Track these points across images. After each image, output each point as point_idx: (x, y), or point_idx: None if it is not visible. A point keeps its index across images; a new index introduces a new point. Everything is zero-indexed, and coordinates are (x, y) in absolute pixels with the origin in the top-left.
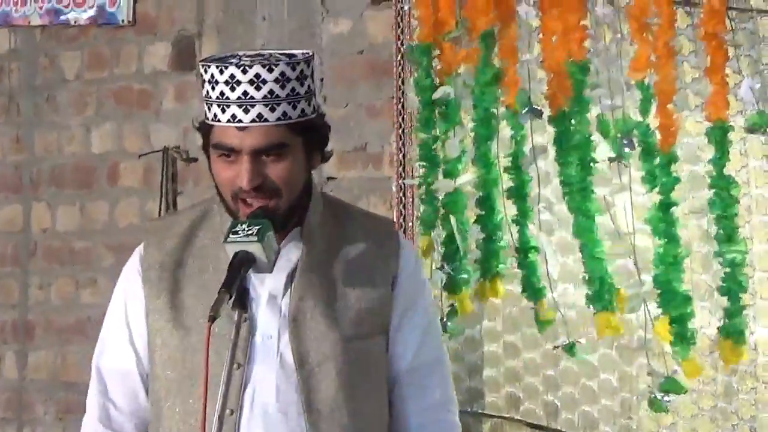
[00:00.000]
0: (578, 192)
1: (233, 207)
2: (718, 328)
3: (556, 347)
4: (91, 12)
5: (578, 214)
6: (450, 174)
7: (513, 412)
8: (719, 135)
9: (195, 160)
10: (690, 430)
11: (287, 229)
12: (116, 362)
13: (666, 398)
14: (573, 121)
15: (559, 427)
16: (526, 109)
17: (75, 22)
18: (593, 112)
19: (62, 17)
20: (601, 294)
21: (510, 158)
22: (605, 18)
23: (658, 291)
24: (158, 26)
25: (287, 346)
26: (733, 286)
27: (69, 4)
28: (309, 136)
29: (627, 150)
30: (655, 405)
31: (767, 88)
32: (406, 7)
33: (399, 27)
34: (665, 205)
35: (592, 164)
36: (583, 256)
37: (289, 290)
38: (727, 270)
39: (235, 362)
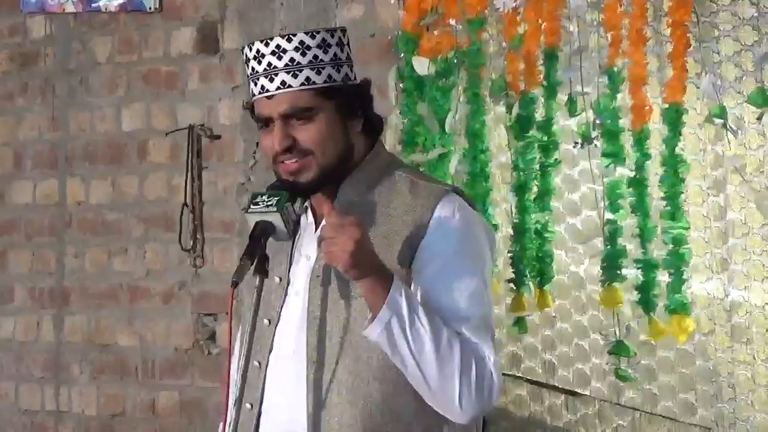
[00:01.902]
0: (541, 173)
1: (278, 174)
2: (664, 306)
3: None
4: None
5: (540, 194)
6: (426, 150)
7: (515, 370)
8: (674, 116)
9: (218, 137)
10: (672, 386)
11: (329, 193)
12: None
13: (625, 366)
14: (535, 105)
15: (556, 383)
16: (503, 93)
17: (106, 9)
18: (562, 96)
19: (94, 4)
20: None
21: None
22: (579, 9)
23: (622, 260)
24: (183, 12)
25: (307, 301)
26: (676, 262)
27: None
28: (340, 100)
29: (595, 132)
30: (619, 374)
31: (725, 82)
32: None
33: (401, 9)
34: (637, 181)
35: (552, 147)
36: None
37: (319, 251)
38: (670, 246)
39: (265, 318)
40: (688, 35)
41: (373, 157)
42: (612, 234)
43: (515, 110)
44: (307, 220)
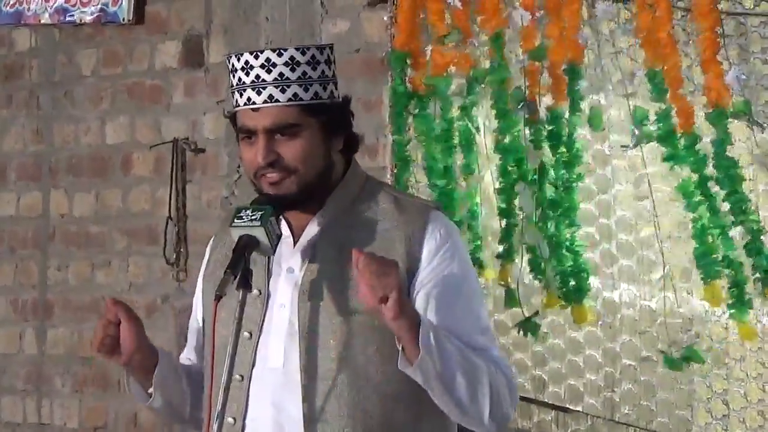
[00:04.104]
0: (567, 185)
1: (258, 186)
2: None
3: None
4: (95, 10)
5: (565, 206)
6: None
7: None
8: (720, 118)
9: (203, 150)
10: (669, 403)
11: (314, 208)
12: (189, 337)
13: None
14: (565, 119)
15: (546, 400)
16: (521, 104)
17: (80, 20)
18: (585, 107)
19: (69, 16)
20: (579, 287)
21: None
22: (605, 14)
23: (702, 262)
24: (168, 26)
25: (295, 315)
26: (759, 247)
27: (75, 3)
28: (325, 118)
29: (637, 137)
30: (672, 363)
31: (753, 76)
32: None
33: (394, 27)
34: (702, 182)
35: (579, 158)
36: (560, 249)
37: (305, 264)
38: (749, 237)
39: (245, 331)
40: (717, 38)
41: (353, 174)
42: (700, 232)
43: (546, 126)
44: (283, 233)
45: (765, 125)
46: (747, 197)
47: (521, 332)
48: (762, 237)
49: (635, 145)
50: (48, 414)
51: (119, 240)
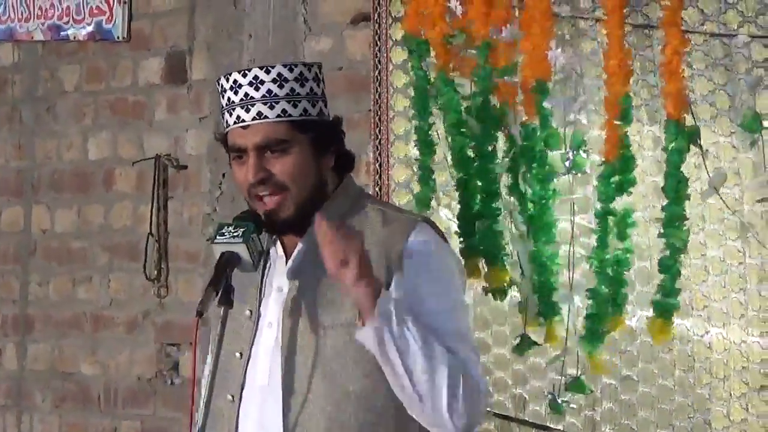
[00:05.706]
0: (538, 203)
1: (253, 206)
2: (651, 301)
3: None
4: (89, 28)
5: (538, 224)
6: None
7: None
8: (676, 130)
9: (185, 167)
10: (650, 422)
11: (305, 227)
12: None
13: (563, 400)
14: (538, 135)
15: (526, 418)
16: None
17: (74, 37)
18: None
19: (62, 33)
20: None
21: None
22: (582, 32)
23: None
24: (152, 42)
25: (280, 332)
26: (671, 265)
27: (69, 21)
28: (315, 134)
29: (570, 162)
30: (553, 407)
31: (739, 97)
32: (384, 26)
33: (377, 45)
34: (604, 213)
35: (549, 177)
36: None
37: (291, 283)
38: (667, 253)
39: (237, 352)
40: (681, 54)
41: (343, 190)
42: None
43: (519, 141)
44: (277, 253)
45: (708, 152)
46: (684, 210)
47: (518, 349)
48: (682, 256)
49: (567, 172)
50: (28, 430)
51: (101, 256)
